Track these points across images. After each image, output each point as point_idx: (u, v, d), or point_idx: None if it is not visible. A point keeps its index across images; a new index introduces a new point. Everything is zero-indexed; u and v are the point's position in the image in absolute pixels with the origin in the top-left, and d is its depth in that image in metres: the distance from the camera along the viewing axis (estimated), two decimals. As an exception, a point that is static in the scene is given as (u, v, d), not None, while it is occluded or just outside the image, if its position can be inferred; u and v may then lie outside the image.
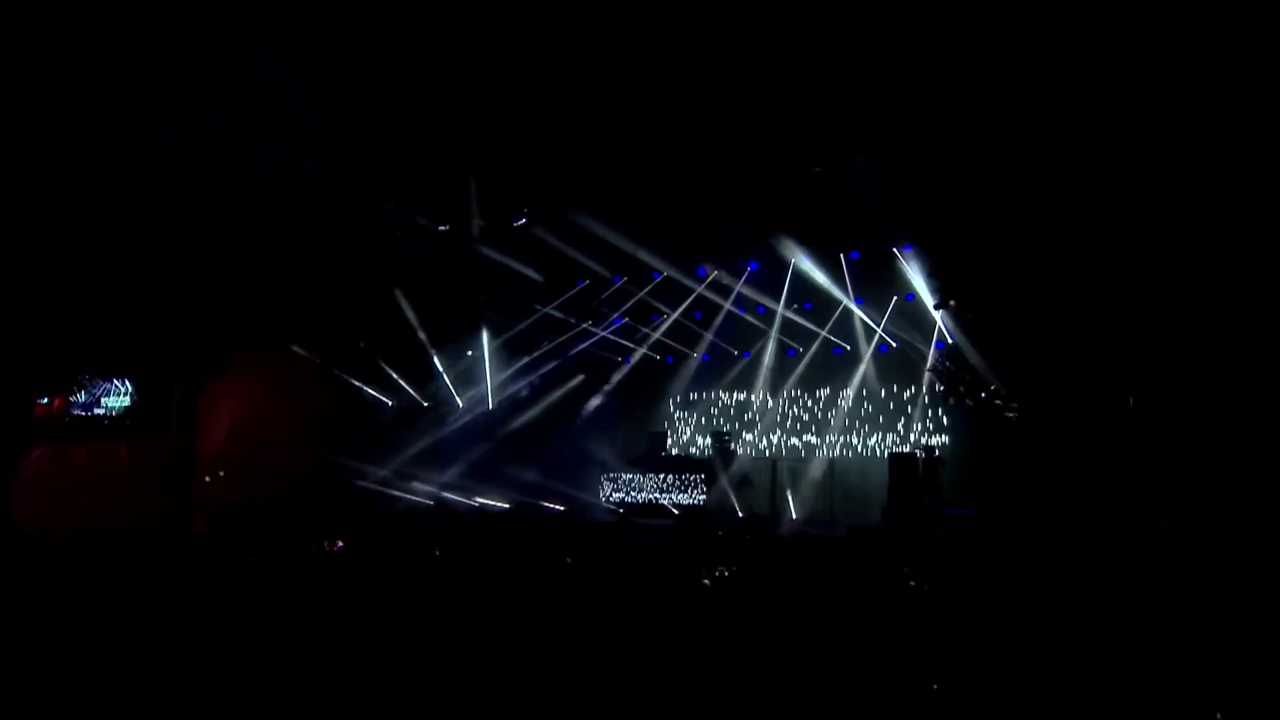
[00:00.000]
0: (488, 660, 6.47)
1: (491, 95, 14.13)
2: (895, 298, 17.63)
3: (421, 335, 19.41)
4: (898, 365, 17.86)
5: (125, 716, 5.44)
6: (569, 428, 19.53)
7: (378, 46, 13.27)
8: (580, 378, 20.22)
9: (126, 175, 16.38)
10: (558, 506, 16.92)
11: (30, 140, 14.98)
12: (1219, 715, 5.21)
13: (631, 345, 20.17)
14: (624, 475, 17.57)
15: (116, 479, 18.37)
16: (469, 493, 18.07)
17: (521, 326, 19.89)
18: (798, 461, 18.10)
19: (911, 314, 17.50)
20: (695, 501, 16.72)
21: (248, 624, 7.48)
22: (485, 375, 19.94)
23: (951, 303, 14.46)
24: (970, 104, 12.70)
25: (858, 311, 17.94)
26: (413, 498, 18.24)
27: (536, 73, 13.49)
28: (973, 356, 15.30)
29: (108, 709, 5.50)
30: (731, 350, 19.61)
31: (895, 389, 17.99)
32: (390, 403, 19.56)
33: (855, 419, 18.33)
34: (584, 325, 20.05)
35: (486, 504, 17.56)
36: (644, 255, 18.00)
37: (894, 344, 17.71)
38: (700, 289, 19.12)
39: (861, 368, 18.13)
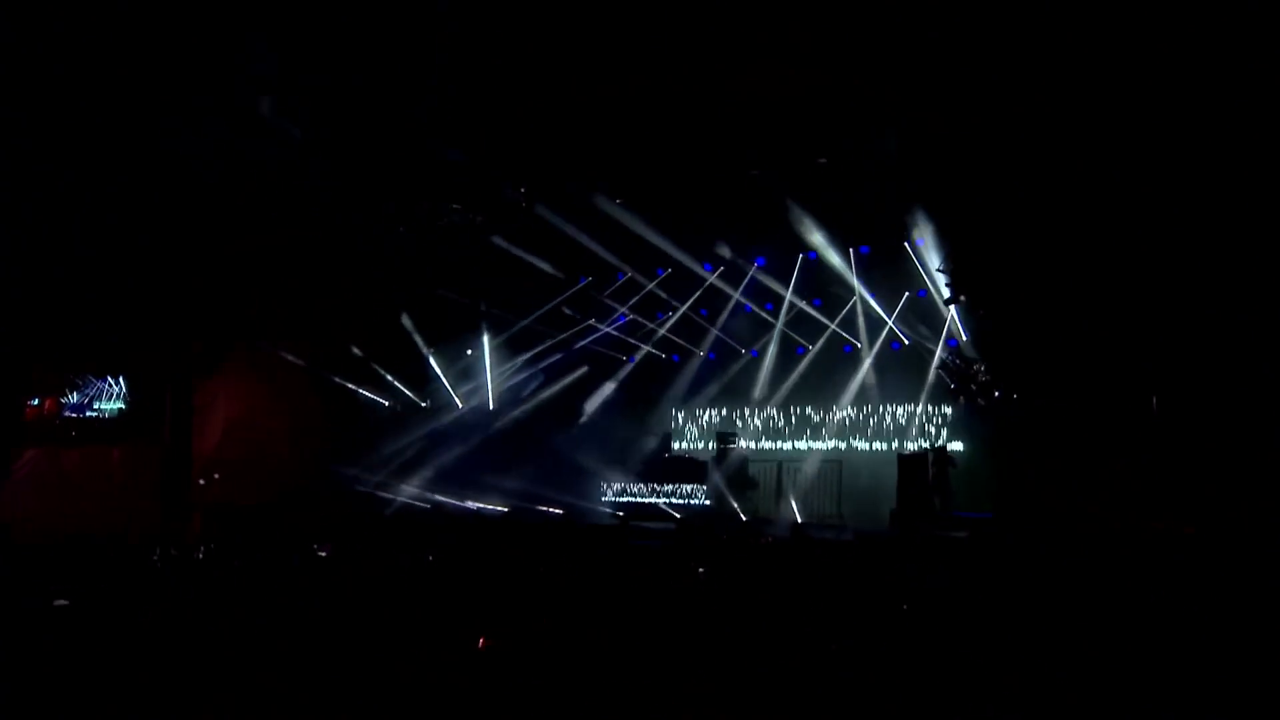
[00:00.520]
0: (480, 668, 6.38)
1: (492, 88, 14.00)
2: (907, 294, 17.36)
3: (419, 334, 19.23)
4: (908, 363, 17.58)
5: None
6: (570, 428, 19.31)
7: (375, 40, 13.07)
8: (583, 371, 20.04)
9: (121, 173, 16.37)
10: (556, 510, 16.67)
11: (25, 138, 15.01)
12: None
13: (636, 343, 19.94)
14: (626, 477, 17.31)
15: (109, 482, 18.31)
16: (467, 495, 17.85)
17: (523, 323, 19.70)
18: (804, 463, 17.83)
19: (922, 311, 17.26)
20: (698, 504, 16.44)
21: (234, 630, 7.29)
22: (485, 375, 19.77)
23: (962, 298, 14.13)
24: (983, 97, 12.46)
25: (874, 304, 17.66)
26: (409, 501, 18.05)
27: (536, 67, 13.31)
28: (985, 353, 15.05)
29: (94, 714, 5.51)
30: (738, 348, 19.35)
31: (905, 387, 17.74)
32: (387, 403, 19.38)
33: (864, 419, 18.10)
34: (587, 322, 19.83)
35: (484, 507, 17.34)
36: (651, 244, 17.81)
37: (906, 341, 17.40)
38: (713, 279, 18.92)
39: (867, 364, 17.93)
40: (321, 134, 14.97)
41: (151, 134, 15.01)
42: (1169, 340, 12.57)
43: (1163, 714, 5.43)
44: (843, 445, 18.09)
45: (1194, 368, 12.43)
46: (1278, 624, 6.85)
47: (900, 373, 17.74)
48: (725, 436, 17.96)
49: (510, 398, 20.08)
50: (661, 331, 19.64)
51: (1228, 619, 7.21)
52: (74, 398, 19.23)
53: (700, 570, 10.94)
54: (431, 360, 19.44)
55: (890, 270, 17.36)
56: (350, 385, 19.17)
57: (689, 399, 19.97)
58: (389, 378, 19.38)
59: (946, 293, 15.12)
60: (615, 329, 19.95)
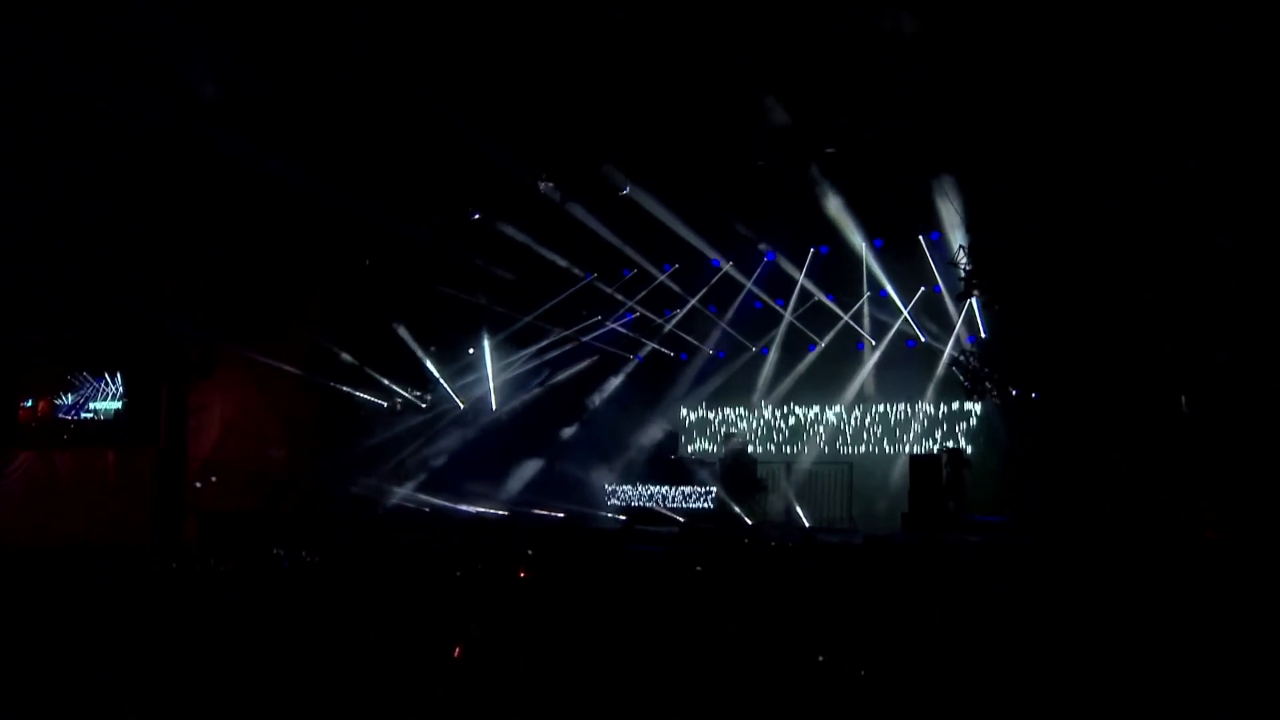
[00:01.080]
0: (474, 679, 6.40)
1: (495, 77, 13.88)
2: (921, 289, 17.03)
3: (418, 334, 19.08)
4: (922, 361, 17.27)
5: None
6: (575, 428, 19.10)
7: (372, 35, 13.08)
8: (589, 370, 19.85)
9: (118, 170, 16.40)
10: (557, 514, 16.45)
11: (19, 137, 15.04)
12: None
13: (643, 340, 19.75)
14: (631, 479, 17.10)
15: (103, 485, 18.24)
16: (467, 498, 17.67)
17: (525, 320, 19.47)
18: (814, 465, 17.53)
19: (936, 307, 16.96)
20: (704, 507, 16.20)
21: (228, 640, 7.34)
22: (486, 375, 19.58)
23: (975, 292, 13.79)
24: (1008, 87, 12.24)
25: (896, 297, 17.31)
26: (409, 504, 17.89)
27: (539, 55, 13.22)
28: (1005, 350, 14.70)
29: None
30: (748, 345, 19.06)
31: (919, 386, 17.41)
32: (385, 404, 19.21)
33: (875, 419, 17.82)
34: (593, 319, 19.63)
35: (485, 511, 17.15)
36: (655, 240, 17.63)
37: (922, 338, 17.07)
38: (727, 267, 18.62)
39: (877, 361, 17.66)
40: (320, 131, 15.00)
41: (148, 132, 15.13)
42: (1200, 337, 12.15)
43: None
44: (854, 446, 17.81)
45: (1226, 366, 11.99)
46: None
47: (913, 371, 17.43)
48: (733, 438, 17.71)
49: (513, 398, 19.85)
50: (669, 327, 19.41)
51: (1256, 629, 6.99)
52: (69, 399, 19.18)
53: (703, 575, 10.78)
54: (430, 360, 19.22)
55: (905, 265, 17.04)
56: (347, 386, 18.98)
57: (697, 398, 19.73)
58: (387, 378, 19.17)
59: (959, 288, 14.72)
60: (622, 326, 19.73)
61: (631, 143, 15.17)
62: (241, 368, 18.37)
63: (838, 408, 18.19)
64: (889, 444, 17.52)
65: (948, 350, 16.47)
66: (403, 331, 18.89)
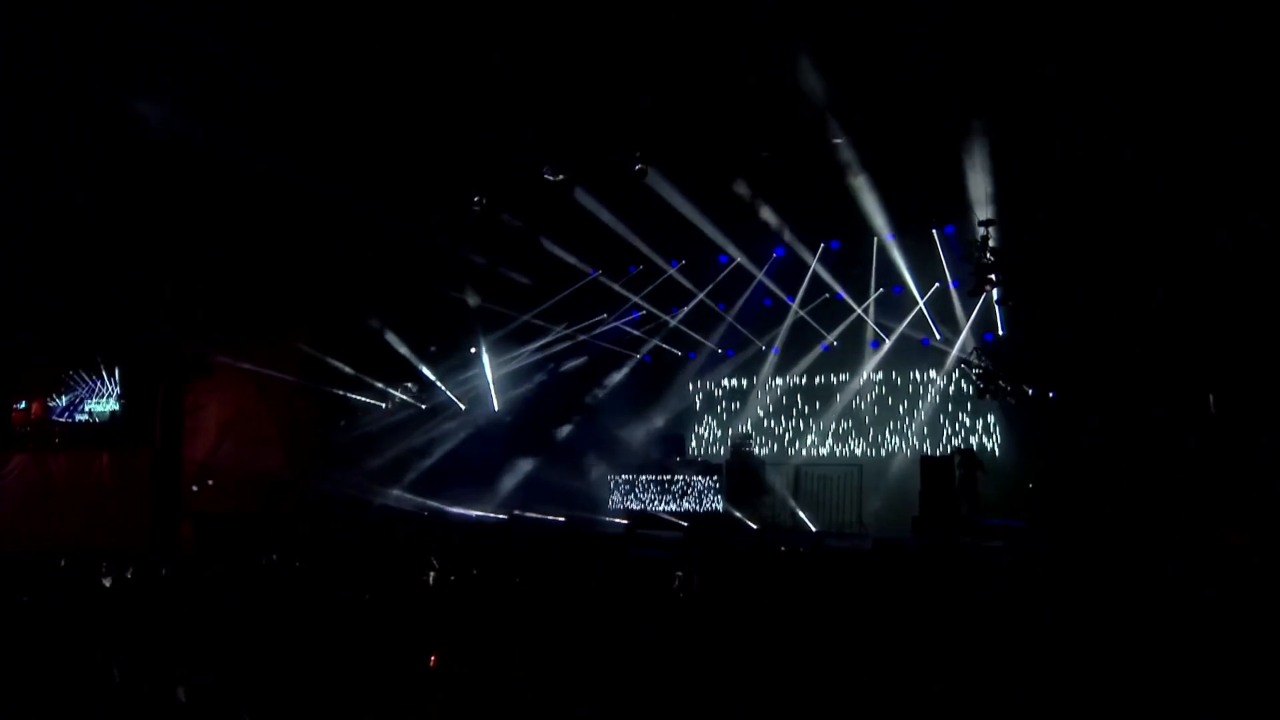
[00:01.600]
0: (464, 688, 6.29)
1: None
2: (937, 284, 16.78)
3: (416, 334, 18.98)
4: (935, 360, 17.07)
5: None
6: (577, 430, 18.97)
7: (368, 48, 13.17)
8: (593, 370, 19.73)
9: (113, 168, 16.42)
10: (558, 518, 16.32)
11: (14, 136, 15.08)
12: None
13: (650, 339, 19.57)
14: (634, 481, 16.96)
15: (98, 489, 18.22)
16: (466, 502, 17.57)
17: (526, 319, 19.34)
18: (822, 467, 17.35)
19: (946, 303, 16.78)
20: (708, 511, 16.05)
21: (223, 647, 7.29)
22: (486, 375, 19.46)
23: (988, 287, 13.54)
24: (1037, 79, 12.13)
25: (913, 290, 17.10)
26: (407, 508, 17.83)
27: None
28: (1025, 347, 14.47)
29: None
30: (759, 344, 18.86)
31: (930, 385, 17.23)
32: (384, 405, 19.12)
33: (886, 419, 17.65)
34: (598, 317, 19.50)
35: (484, 515, 17.04)
36: (660, 235, 17.52)
37: (937, 335, 16.83)
38: (744, 264, 18.42)
39: (886, 360, 17.46)
40: (319, 128, 14.96)
41: (146, 131, 15.15)
42: (1226, 337, 11.89)
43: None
44: (864, 448, 17.64)
45: (1256, 365, 11.84)
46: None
47: (927, 369, 17.24)
48: (741, 439, 17.51)
49: (514, 399, 19.74)
50: (673, 323, 19.26)
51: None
52: (63, 400, 19.19)
53: (706, 581, 10.63)
54: (428, 359, 19.13)
55: (918, 259, 16.84)
56: (345, 387, 18.91)
57: (704, 398, 19.58)
58: (386, 379, 19.08)
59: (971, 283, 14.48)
60: (627, 324, 19.60)
61: (638, 133, 15.03)
62: (238, 368, 18.32)
63: (849, 408, 18.03)
64: (901, 445, 17.34)
65: (956, 348, 16.32)
66: (401, 331, 18.76)
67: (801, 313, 18.09)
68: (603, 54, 13.08)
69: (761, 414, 19.01)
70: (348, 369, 18.70)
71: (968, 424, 16.76)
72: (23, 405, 19.18)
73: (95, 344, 19.16)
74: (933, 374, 17.17)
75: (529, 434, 19.21)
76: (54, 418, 19.11)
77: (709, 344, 19.24)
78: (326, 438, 18.73)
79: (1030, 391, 13.83)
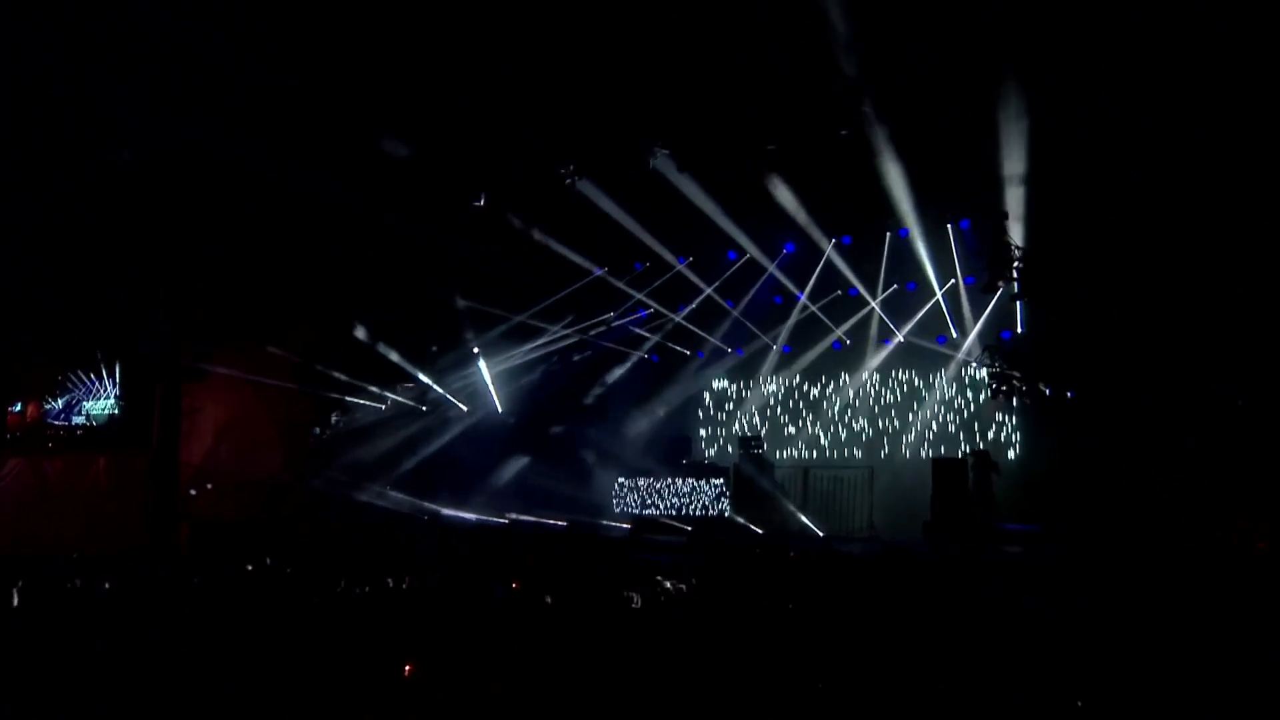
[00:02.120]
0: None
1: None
2: (952, 281, 16.57)
3: (415, 334, 18.95)
4: (947, 358, 16.95)
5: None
6: (580, 432, 18.85)
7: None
8: (598, 369, 19.70)
9: (110, 170, 16.51)
10: (559, 521, 16.24)
11: (10, 135, 15.18)
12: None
13: (657, 339, 19.47)
14: (639, 484, 16.92)
15: (94, 493, 18.23)
16: (466, 504, 17.60)
17: (524, 318, 19.28)
18: (832, 469, 17.30)
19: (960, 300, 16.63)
20: (715, 515, 15.94)
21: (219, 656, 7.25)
22: (489, 376, 19.44)
23: (1000, 285, 13.35)
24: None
25: (929, 291, 16.93)
26: (407, 511, 17.80)
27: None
28: (1047, 344, 14.27)
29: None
30: (769, 342, 18.72)
31: (943, 385, 17.16)
32: (383, 407, 19.07)
33: (898, 419, 17.52)
34: (604, 316, 19.39)
35: (485, 518, 16.98)
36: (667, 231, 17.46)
37: (954, 333, 16.66)
38: (753, 259, 18.23)
39: (891, 358, 17.37)
40: (318, 128, 14.99)
41: (144, 131, 15.26)
42: (1265, 336, 11.63)
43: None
44: (875, 450, 17.57)
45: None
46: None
47: (940, 368, 17.09)
48: (749, 441, 17.39)
49: (516, 400, 19.68)
50: (676, 319, 19.16)
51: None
52: (59, 403, 19.22)
53: (707, 587, 10.54)
54: (429, 360, 19.07)
55: (932, 255, 16.61)
56: (344, 389, 18.86)
57: (712, 398, 19.48)
58: (385, 380, 19.03)
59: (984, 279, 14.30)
60: (633, 323, 19.48)
61: (646, 124, 14.96)
62: (236, 370, 18.30)
63: (860, 407, 17.93)
64: (913, 446, 17.22)
65: (965, 347, 16.21)
66: (401, 331, 18.74)
67: (813, 307, 17.97)
68: (608, 44, 13.05)
69: (771, 414, 18.91)
70: (347, 369, 18.63)
71: (981, 424, 16.65)
72: (18, 408, 19.21)
73: (93, 345, 19.19)
74: (946, 373, 17.04)
75: (532, 436, 19.15)
76: (50, 420, 19.12)
77: (718, 343, 19.12)
78: (325, 439, 18.67)
79: (1047, 391, 13.60)
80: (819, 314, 17.93)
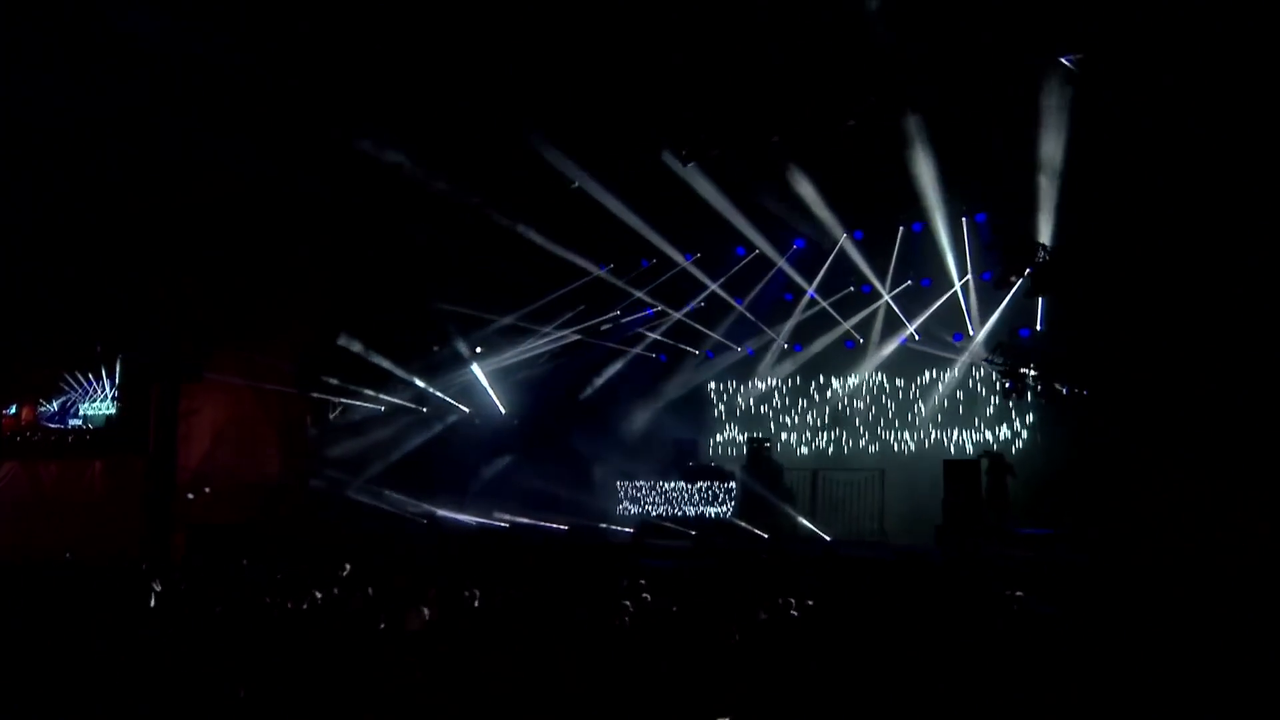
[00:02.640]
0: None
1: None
2: (968, 277, 16.34)
3: (416, 334, 18.86)
4: (961, 356, 16.74)
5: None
6: (585, 434, 18.69)
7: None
8: (603, 370, 19.56)
9: (106, 169, 16.54)
10: (561, 526, 16.13)
11: (5, 134, 15.23)
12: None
13: (664, 338, 19.38)
14: (643, 487, 16.81)
15: (90, 497, 18.25)
16: (467, 508, 17.53)
17: (532, 314, 19.19)
18: (843, 471, 17.06)
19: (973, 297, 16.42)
20: (721, 519, 15.80)
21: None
22: (489, 378, 19.38)
23: (1014, 280, 13.12)
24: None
25: (942, 288, 16.70)
26: (405, 515, 17.72)
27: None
28: (1049, 342, 14.07)
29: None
30: (780, 341, 18.53)
31: (956, 384, 17.00)
32: (382, 410, 18.98)
33: (910, 420, 17.38)
34: (610, 314, 19.30)
35: (485, 522, 16.90)
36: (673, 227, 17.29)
37: (970, 331, 16.46)
38: (763, 255, 18.05)
39: (903, 356, 17.16)
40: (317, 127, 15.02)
41: (141, 129, 15.27)
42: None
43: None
44: (887, 452, 17.42)
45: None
46: None
47: (952, 368, 16.91)
48: (757, 443, 17.22)
49: (521, 400, 19.57)
50: (679, 316, 18.99)
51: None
52: (54, 405, 19.25)
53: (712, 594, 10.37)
54: (430, 361, 18.98)
55: (944, 251, 16.28)
56: (342, 391, 18.79)
57: (720, 399, 19.35)
58: (385, 381, 18.95)
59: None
60: (639, 321, 19.34)
61: (651, 118, 14.79)
62: (233, 371, 18.29)
63: (871, 407, 17.81)
64: (925, 447, 17.06)
65: (978, 342, 15.96)
66: (402, 331, 18.69)
67: (824, 303, 17.78)
68: (617, 34, 12.95)
69: (780, 414, 18.75)
70: (346, 370, 18.56)
71: (994, 424, 16.49)
72: (12, 410, 19.25)
73: (91, 346, 19.22)
74: (959, 372, 16.84)
75: (534, 437, 19.05)
76: (44, 423, 19.16)
77: (726, 341, 18.95)
78: (323, 442, 18.61)
79: (1064, 389, 13.36)
80: (830, 310, 17.74)
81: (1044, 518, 13.75)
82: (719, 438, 19.34)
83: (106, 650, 7.27)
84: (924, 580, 11.71)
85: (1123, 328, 12.81)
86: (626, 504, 17.08)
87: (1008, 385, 13.92)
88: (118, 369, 19.37)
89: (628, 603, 8.41)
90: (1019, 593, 8.89)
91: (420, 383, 19.04)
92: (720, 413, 19.46)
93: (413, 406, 19.22)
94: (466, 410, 19.44)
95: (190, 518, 17.41)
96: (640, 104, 14.45)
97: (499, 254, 17.74)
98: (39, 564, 13.69)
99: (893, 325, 17.30)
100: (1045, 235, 13.62)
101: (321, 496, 17.85)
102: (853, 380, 18.00)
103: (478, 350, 19.37)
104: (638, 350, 19.62)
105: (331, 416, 18.65)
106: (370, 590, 9.64)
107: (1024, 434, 16.10)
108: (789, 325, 18.34)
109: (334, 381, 18.40)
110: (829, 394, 18.29)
